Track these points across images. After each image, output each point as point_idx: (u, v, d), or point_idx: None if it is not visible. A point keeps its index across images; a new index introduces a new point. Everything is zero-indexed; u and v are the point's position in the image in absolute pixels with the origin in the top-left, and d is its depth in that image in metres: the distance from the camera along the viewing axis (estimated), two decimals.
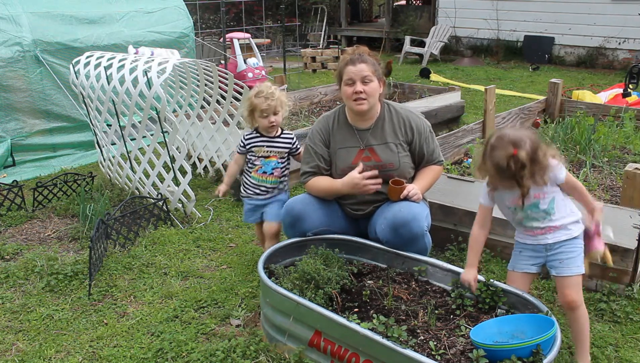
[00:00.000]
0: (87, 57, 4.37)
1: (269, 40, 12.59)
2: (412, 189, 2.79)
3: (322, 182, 2.92)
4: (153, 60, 3.93)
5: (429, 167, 2.99)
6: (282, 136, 3.18)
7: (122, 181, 4.47)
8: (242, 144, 3.19)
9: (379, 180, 2.78)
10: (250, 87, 6.75)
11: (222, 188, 3.26)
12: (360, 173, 2.76)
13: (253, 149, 3.15)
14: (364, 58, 2.78)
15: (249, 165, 3.20)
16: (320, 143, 2.94)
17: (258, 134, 3.15)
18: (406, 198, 2.77)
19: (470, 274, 2.45)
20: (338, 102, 6.97)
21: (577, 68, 11.06)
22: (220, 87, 4.58)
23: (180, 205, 4.10)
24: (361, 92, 2.75)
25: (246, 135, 3.18)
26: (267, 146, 3.14)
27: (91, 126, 4.68)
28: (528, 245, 2.40)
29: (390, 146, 2.87)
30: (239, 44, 8.41)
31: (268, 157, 3.14)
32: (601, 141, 4.58)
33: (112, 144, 4.51)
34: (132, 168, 4.31)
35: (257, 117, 3.07)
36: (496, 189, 2.38)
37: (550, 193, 2.29)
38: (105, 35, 5.77)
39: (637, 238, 2.82)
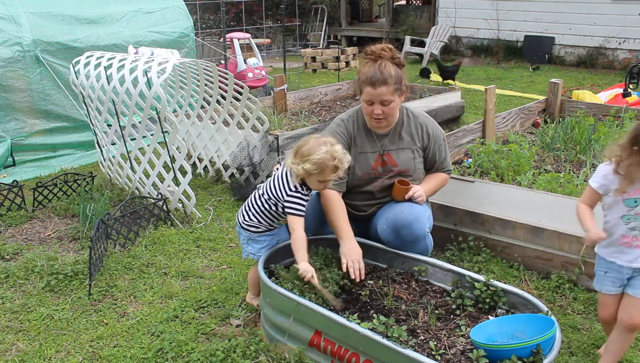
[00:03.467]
0: (87, 57, 4.37)
1: (269, 40, 12.59)
2: (417, 190, 2.79)
3: (336, 208, 2.73)
4: (153, 60, 3.93)
5: (436, 173, 3.00)
6: None
7: (122, 181, 4.47)
8: (305, 205, 2.57)
9: (362, 275, 2.59)
10: (251, 87, 6.70)
11: (309, 270, 2.46)
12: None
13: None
14: (385, 78, 2.65)
15: (283, 216, 2.65)
16: (344, 146, 2.77)
17: (308, 191, 2.59)
18: (410, 199, 2.78)
19: (596, 234, 2.18)
20: (338, 102, 6.96)
21: (577, 68, 11.06)
22: (220, 87, 4.58)
23: (180, 205, 4.10)
24: (380, 113, 2.72)
25: (304, 194, 2.56)
26: None
27: (91, 126, 4.68)
28: (614, 265, 2.25)
29: (406, 152, 2.88)
30: (239, 44, 8.40)
31: None
32: (601, 141, 4.57)
33: (112, 144, 4.51)
34: (132, 168, 4.31)
35: (314, 180, 2.52)
36: (632, 182, 2.11)
37: None
38: (105, 35, 5.76)
39: None
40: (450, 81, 9.28)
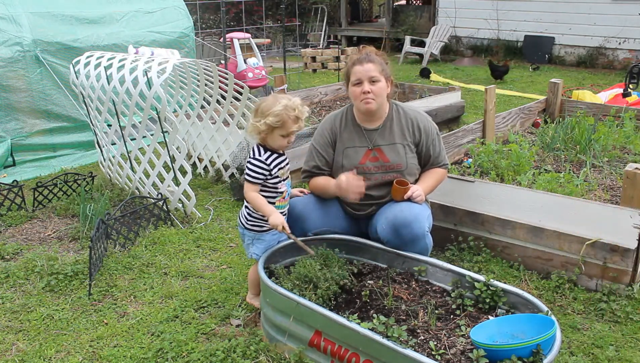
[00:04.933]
0: (87, 57, 4.37)
1: (269, 40, 12.59)
2: (416, 190, 2.79)
3: (320, 181, 2.94)
4: (153, 60, 3.93)
5: (433, 169, 2.99)
6: None
7: (122, 181, 4.47)
8: (265, 169, 2.57)
9: (362, 188, 2.73)
10: (251, 87, 6.69)
11: (283, 224, 2.58)
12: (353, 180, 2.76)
13: (278, 173, 2.63)
14: (371, 58, 2.77)
15: (271, 193, 2.64)
16: (325, 143, 2.94)
17: (277, 154, 2.62)
18: (409, 199, 2.78)
19: None
20: (338, 102, 6.96)
21: (577, 68, 11.06)
22: (220, 87, 4.59)
23: (180, 205, 4.10)
24: (369, 92, 2.75)
25: (264, 158, 2.57)
26: (287, 164, 2.69)
27: (91, 126, 4.68)
28: None
29: (397, 147, 2.88)
30: (239, 44, 8.40)
31: (287, 177, 2.72)
32: (601, 141, 4.58)
33: (112, 144, 4.51)
34: (132, 168, 4.31)
35: (277, 135, 2.54)
36: None
37: None
38: (105, 35, 5.77)
39: (637, 238, 2.82)
40: (450, 81, 9.27)
